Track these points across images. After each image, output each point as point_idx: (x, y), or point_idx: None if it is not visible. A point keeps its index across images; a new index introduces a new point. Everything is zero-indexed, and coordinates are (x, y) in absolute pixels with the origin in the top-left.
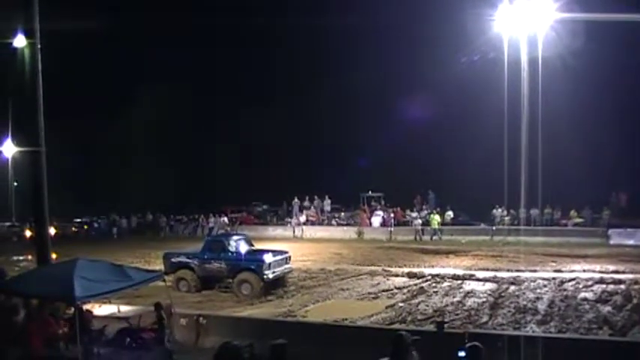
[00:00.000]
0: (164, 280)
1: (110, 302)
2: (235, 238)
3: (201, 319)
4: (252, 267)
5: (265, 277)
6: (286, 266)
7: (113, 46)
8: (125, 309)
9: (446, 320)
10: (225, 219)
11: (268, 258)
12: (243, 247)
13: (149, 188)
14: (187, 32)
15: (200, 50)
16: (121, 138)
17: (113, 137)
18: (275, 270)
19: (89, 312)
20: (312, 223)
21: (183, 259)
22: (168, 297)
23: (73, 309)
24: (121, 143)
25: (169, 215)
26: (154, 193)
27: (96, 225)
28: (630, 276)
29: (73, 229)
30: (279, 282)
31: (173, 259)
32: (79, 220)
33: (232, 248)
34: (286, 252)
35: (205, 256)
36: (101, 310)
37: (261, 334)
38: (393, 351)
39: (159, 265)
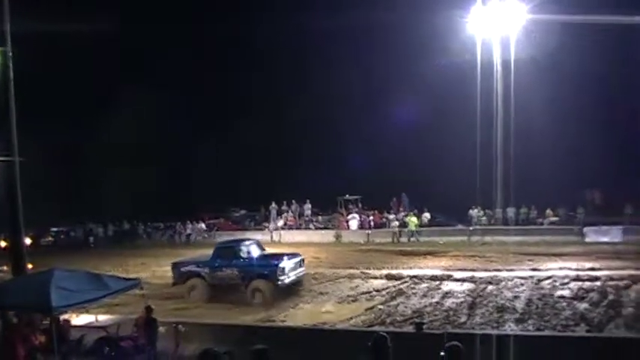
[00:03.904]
0: (141, 288)
1: (88, 311)
2: (247, 243)
3: (180, 326)
4: (266, 272)
5: (280, 282)
6: (300, 270)
7: (89, 50)
8: (103, 318)
9: (425, 321)
10: (203, 225)
11: (282, 263)
12: (255, 252)
13: (125, 196)
14: (166, 36)
15: (178, 54)
16: (96, 145)
17: (88, 145)
18: (289, 274)
19: (67, 322)
20: (290, 228)
21: (193, 268)
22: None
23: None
24: (96, 151)
25: (146, 222)
26: (131, 200)
27: (72, 234)
28: (606, 273)
29: (50, 238)
30: (295, 286)
31: (182, 269)
32: (55, 229)
33: (244, 254)
34: (299, 255)
35: (216, 264)
36: (79, 319)
37: (242, 340)
38: (372, 353)
39: (137, 273)
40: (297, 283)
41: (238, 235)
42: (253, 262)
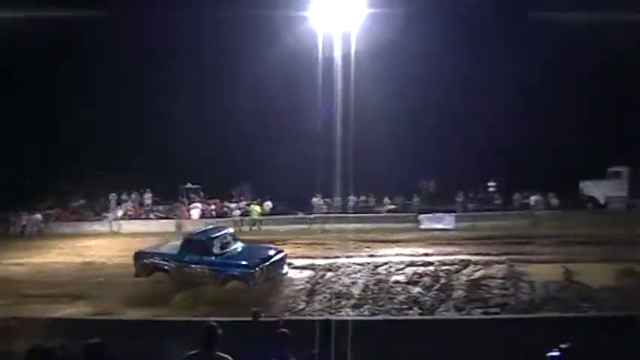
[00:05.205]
0: None
1: None
2: (219, 235)
3: (12, 322)
4: (237, 274)
5: (257, 285)
6: (282, 267)
7: None
8: None
9: (262, 309)
10: (39, 215)
11: (259, 262)
12: (230, 247)
13: None
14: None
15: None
16: None
17: None
18: (269, 276)
19: None
20: (130, 217)
21: (157, 260)
22: None
23: None
24: None
25: None
26: None
27: None
28: (438, 258)
29: None
30: (275, 284)
31: (145, 260)
32: None
33: (216, 250)
34: (282, 250)
35: (184, 259)
36: None
37: (77, 334)
38: (203, 342)
39: None
40: (275, 281)
41: (76, 226)
42: (226, 262)
